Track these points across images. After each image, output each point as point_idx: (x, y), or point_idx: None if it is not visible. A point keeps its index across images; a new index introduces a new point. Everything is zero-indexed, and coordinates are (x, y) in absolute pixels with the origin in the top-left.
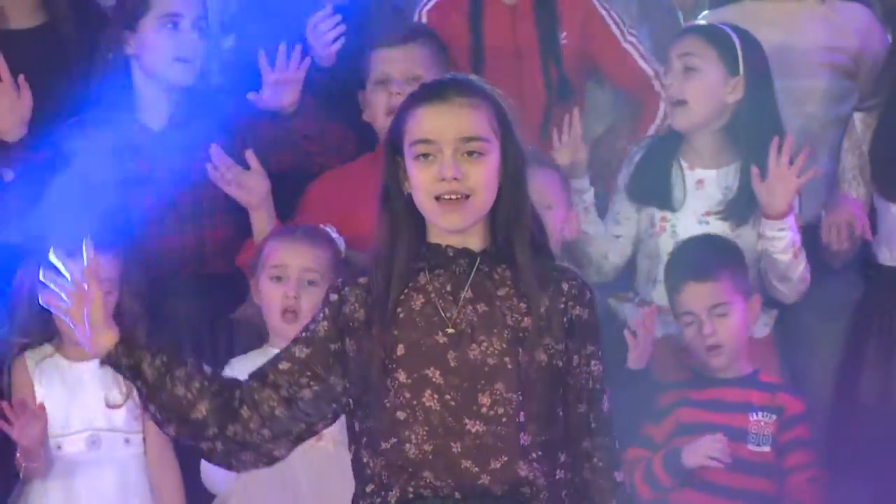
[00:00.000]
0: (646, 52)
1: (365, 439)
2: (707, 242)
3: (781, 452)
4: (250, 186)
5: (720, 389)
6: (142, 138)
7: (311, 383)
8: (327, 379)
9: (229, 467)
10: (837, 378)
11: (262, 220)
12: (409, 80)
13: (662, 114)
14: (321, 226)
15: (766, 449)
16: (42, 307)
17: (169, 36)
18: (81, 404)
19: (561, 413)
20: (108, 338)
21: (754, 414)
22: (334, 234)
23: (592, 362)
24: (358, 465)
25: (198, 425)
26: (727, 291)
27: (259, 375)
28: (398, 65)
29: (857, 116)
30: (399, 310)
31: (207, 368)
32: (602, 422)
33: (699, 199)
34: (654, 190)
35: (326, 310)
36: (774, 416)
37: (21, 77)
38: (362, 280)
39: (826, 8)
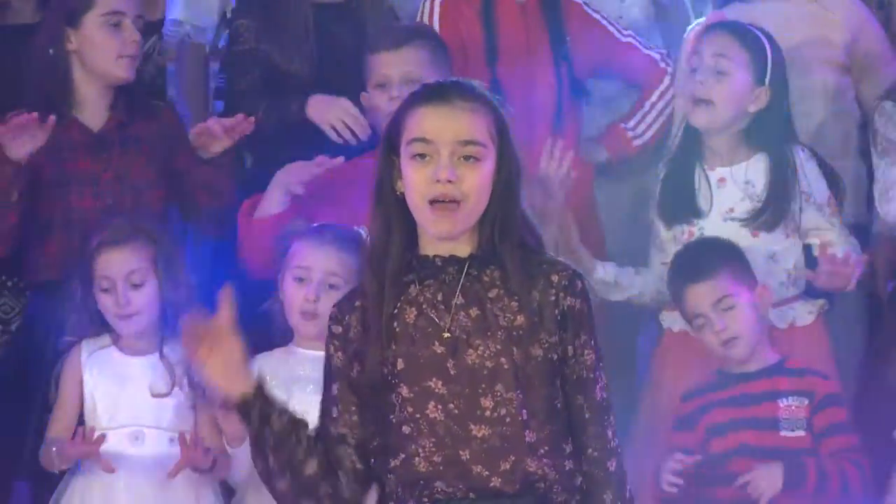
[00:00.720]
0: (644, 41)
1: (374, 460)
2: (699, 245)
3: (818, 439)
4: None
5: (746, 384)
6: (81, 137)
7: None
8: (361, 407)
9: None
10: (862, 380)
11: (279, 196)
12: (409, 83)
13: (667, 85)
14: (355, 227)
15: (801, 433)
16: (93, 311)
17: (112, 34)
18: (130, 399)
19: (561, 405)
20: (247, 384)
21: (784, 400)
22: (367, 237)
23: (585, 351)
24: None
25: (310, 482)
26: (727, 285)
27: (323, 436)
28: (397, 68)
29: (887, 105)
30: (395, 324)
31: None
32: (594, 411)
33: (722, 198)
34: (681, 206)
35: (336, 342)
36: (806, 400)
37: (52, 118)
38: (358, 304)
39: (815, 4)
